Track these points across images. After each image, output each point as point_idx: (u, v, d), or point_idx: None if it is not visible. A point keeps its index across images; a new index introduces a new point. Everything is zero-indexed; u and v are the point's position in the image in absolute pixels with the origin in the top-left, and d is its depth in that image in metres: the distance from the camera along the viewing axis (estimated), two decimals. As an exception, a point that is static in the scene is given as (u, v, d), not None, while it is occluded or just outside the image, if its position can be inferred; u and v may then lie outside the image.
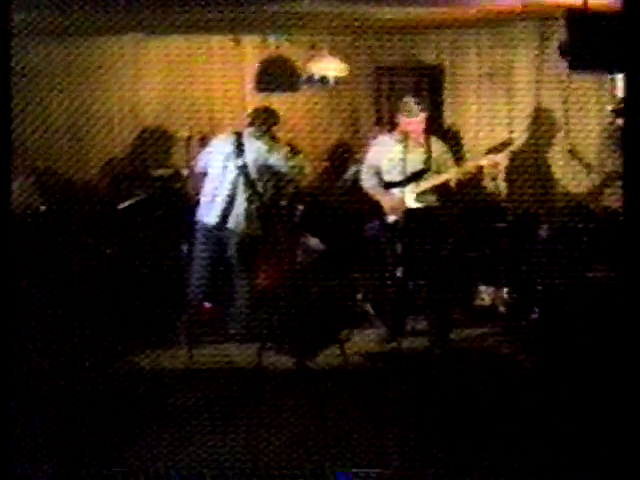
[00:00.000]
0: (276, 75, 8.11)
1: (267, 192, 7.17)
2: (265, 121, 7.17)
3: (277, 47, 8.23)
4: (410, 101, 7.12)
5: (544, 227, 7.04)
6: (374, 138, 7.50)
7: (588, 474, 4.70)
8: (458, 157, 7.58)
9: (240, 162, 7.05)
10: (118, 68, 7.82)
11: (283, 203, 7.43)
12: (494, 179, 7.43)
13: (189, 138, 7.47)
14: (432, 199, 7.19)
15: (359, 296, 7.43)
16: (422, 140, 7.14)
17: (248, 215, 7.05)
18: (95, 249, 7.00)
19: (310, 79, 7.98)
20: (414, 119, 7.06)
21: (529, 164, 7.48)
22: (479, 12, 6.92)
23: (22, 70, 5.44)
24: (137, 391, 5.58)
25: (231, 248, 7.04)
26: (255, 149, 7.08)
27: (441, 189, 7.18)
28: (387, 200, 7.14)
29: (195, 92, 7.45)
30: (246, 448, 5.14)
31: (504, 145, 7.24)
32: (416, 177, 7.11)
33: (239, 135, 7.15)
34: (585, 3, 5.77)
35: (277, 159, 7.10)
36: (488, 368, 6.16)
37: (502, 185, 7.55)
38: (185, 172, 7.51)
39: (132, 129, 8.07)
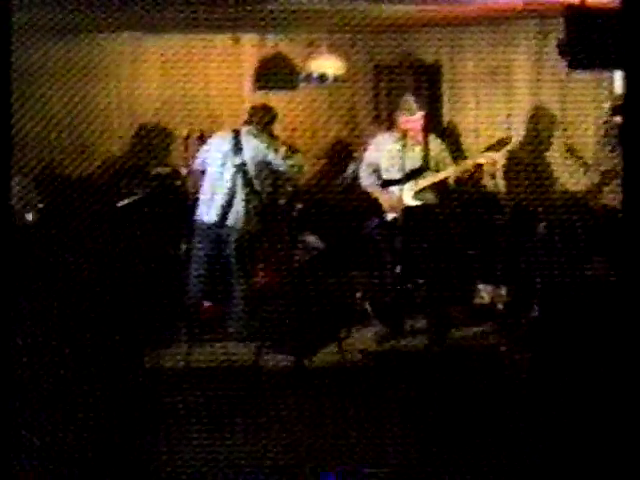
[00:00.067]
0: (275, 73, 8.11)
1: (266, 190, 7.17)
2: (262, 118, 7.17)
3: (275, 45, 8.24)
4: (409, 99, 7.13)
5: (542, 225, 7.04)
6: (373, 136, 7.51)
7: (588, 474, 4.71)
8: (456, 155, 7.59)
9: (238, 160, 7.05)
10: (117, 66, 7.83)
11: (282, 201, 7.43)
12: (492, 177, 7.43)
13: (188, 136, 7.47)
14: (431, 197, 7.19)
15: (358, 294, 7.43)
16: (421, 138, 7.14)
17: (247, 213, 7.04)
18: (93, 247, 6.99)
19: (309, 77, 7.99)
20: (413, 117, 7.06)
21: (528, 162, 7.49)
22: (478, 10, 6.92)
23: (22, 68, 5.43)
24: (137, 391, 5.58)
25: (230, 246, 7.03)
26: (253, 147, 7.07)
27: (439, 187, 7.19)
28: (385, 198, 7.15)
29: (194, 90, 7.45)
30: (247, 448, 5.14)
31: (503, 143, 7.24)
32: (415, 175, 7.12)
33: (237, 133, 7.14)
34: (584, 1, 5.76)
35: (275, 157, 7.11)
36: (487, 366, 6.16)
37: (500, 183, 7.55)
38: (184, 170, 7.50)
39: (131, 127, 8.07)
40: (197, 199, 7.16)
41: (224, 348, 6.62)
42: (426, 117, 7.16)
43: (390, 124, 7.53)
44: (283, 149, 7.19)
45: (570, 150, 7.44)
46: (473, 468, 4.90)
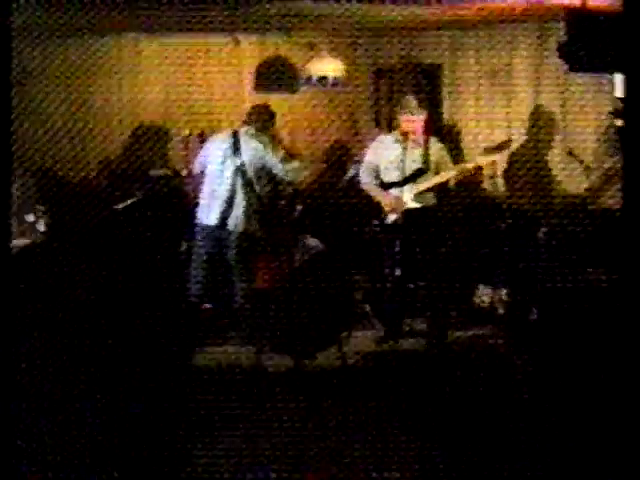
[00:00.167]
0: (275, 75, 8.11)
1: (266, 192, 7.16)
2: (260, 119, 7.15)
3: (276, 47, 8.24)
4: (411, 99, 7.13)
5: (542, 227, 7.04)
6: (373, 138, 7.51)
7: (588, 475, 4.70)
8: (457, 157, 7.59)
9: (237, 161, 7.03)
10: (117, 68, 7.83)
11: (282, 203, 7.43)
12: (493, 179, 7.43)
13: (188, 138, 7.47)
14: (430, 199, 7.19)
15: (358, 296, 7.43)
16: (421, 140, 7.14)
17: (247, 215, 7.03)
18: (93, 248, 6.99)
19: (309, 80, 7.99)
20: (414, 117, 7.05)
21: (528, 164, 7.48)
22: (479, 13, 6.92)
23: (22, 69, 5.44)
24: (137, 391, 5.58)
25: (230, 248, 7.03)
26: (251, 148, 7.06)
27: (440, 189, 7.19)
28: (386, 199, 7.14)
29: (194, 92, 7.45)
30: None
31: (503, 145, 7.24)
32: (415, 177, 7.11)
33: (235, 134, 7.13)
34: (584, 4, 5.76)
35: (273, 160, 7.08)
36: (486, 369, 6.15)
37: (500, 185, 7.55)
38: (184, 172, 7.50)
39: (131, 129, 8.07)
40: (197, 201, 7.16)
41: (224, 351, 6.63)
42: (427, 119, 7.16)
43: (391, 126, 7.53)
44: (282, 152, 7.17)
45: (570, 153, 7.44)
46: (473, 470, 4.90)
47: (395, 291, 7.03)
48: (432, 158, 7.14)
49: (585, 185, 7.38)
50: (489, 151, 7.25)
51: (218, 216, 7.00)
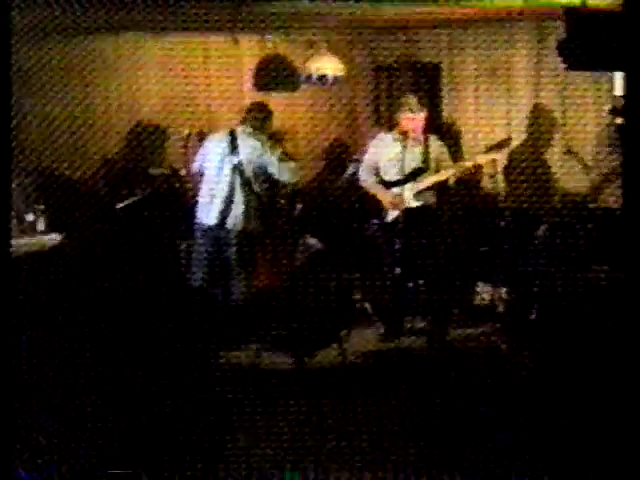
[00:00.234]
0: (275, 74, 8.11)
1: (265, 191, 7.16)
2: (257, 117, 7.14)
3: (275, 46, 8.23)
4: (411, 97, 7.13)
5: (542, 226, 7.04)
6: (373, 137, 7.51)
7: (587, 475, 4.71)
8: (456, 156, 7.59)
9: (235, 160, 7.03)
10: (116, 67, 7.82)
11: (282, 202, 7.43)
12: (492, 178, 7.42)
13: (188, 137, 7.46)
14: (430, 198, 7.19)
15: (358, 295, 7.44)
16: (421, 139, 7.14)
17: (246, 214, 7.03)
18: (93, 247, 6.99)
19: (309, 78, 7.99)
20: (415, 115, 7.05)
21: (528, 163, 7.48)
22: (478, 11, 6.92)
23: (22, 69, 5.44)
24: (137, 393, 5.59)
25: (230, 247, 7.03)
26: (249, 147, 7.05)
27: (439, 188, 7.19)
28: (386, 196, 7.14)
29: (194, 91, 7.44)
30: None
31: (503, 144, 7.23)
32: (415, 176, 7.11)
33: (233, 133, 7.13)
34: (584, 2, 5.76)
35: (270, 159, 7.06)
36: (487, 367, 6.16)
37: (500, 184, 7.55)
38: (184, 171, 7.50)
39: (130, 128, 8.07)
40: (196, 200, 7.16)
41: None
42: (427, 117, 7.16)
43: (390, 124, 7.53)
44: (278, 153, 7.14)
45: (570, 151, 7.44)
46: (473, 468, 4.90)
47: (395, 289, 7.03)
48: (432, 156, 7.15)
49: (584, 183, 7.38)
50: (489, 149, 7.25)
51: (217, 215, 7.00)
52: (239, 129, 7.12)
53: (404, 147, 7.04)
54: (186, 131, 7.41)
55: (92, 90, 7.43)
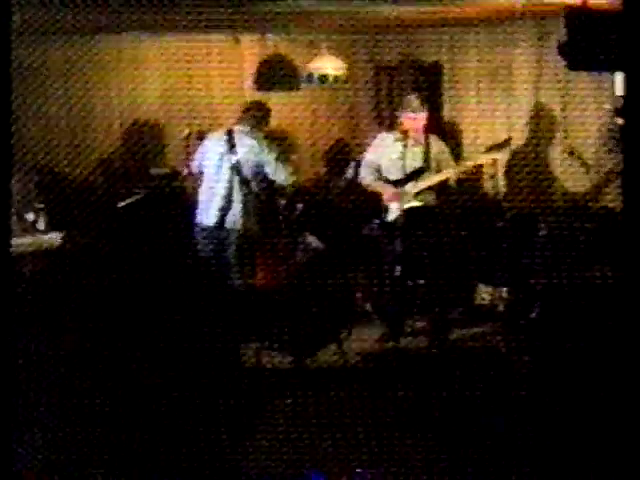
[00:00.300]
0: (276, 74, 8.11)
1: (263, 190, 7.15)
2: (254, 116, 7.13)
3: (276, 46, 8.23)
4: (413, 97, 7.13)
5: (543, 226, 7.03)
6: (374, 136, 7.50)
7: (587, 475, 4.70)
8: (457, 156, 7.59)
9: (233, 160, 7.02)
10: (117, 67, 7.83)
11: (282, 201, 7.42)
12: (493, 178, 7.42)
13: (188, 137, 7.46)
14: (431, 198, 7.19)
15: (358, 295, 7.43)
16: (422, 139, 7.14)
17: (245, 213, 7.03)
18: (93, 247, 6.99)
19: (310, 78, 7.99)
20: (416, 115, 7.05)
21: (528, 163, 7.48)
22: (479, 11, 6.91)
23: (23, 68, 5.44)
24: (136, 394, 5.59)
25: (229, 247, 7.02)
26: (247, 146, 7.03)
27: (440, 188, 7.19)
28: (386, 190, 7.14)
29: (195, 91, 7.45)
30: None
31: (503, 144, 7.24)
32: (415, 175, 7.11)
33: (230, 132, 7.12)
34: (585, 2, 5.75)
35: (268, 160, 7.05)
36: (487, 368, 6.15)
37: (501, 184, 7.54)
38: (185, 171, 7.50)
39: (131, 128, 8.07)
40: (196, 199, 7.16)
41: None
42: (428, 117, 7.16)
43: (391, 124, 7.53)
44: (275, 154, 7.12)
45: (571, 151, 7.44)
46: (473, 469, 4.90)
47: (396, 290, 7.03)
48: (433, 156, 7.15)
49: (585, 183, 7.38)
50: (489, 149, 7.25)
51: (216, 215, 7.00)
52: (237, 128, 7.11)
53: (405, 147, 7.04)
54: (186, 130, 7.41)
55: (92, 89, 7.43)
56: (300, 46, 8.20)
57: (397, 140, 7.12)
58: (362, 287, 7.45)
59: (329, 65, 7.94)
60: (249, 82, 8.23)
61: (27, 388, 5.05)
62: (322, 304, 6.78)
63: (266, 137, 7.18)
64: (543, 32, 7.48)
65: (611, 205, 7.01)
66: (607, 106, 7.20)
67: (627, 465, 4.03)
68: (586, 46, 5.59)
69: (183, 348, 6.49)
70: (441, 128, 7.96)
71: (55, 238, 6.54)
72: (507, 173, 7.56)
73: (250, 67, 8.26)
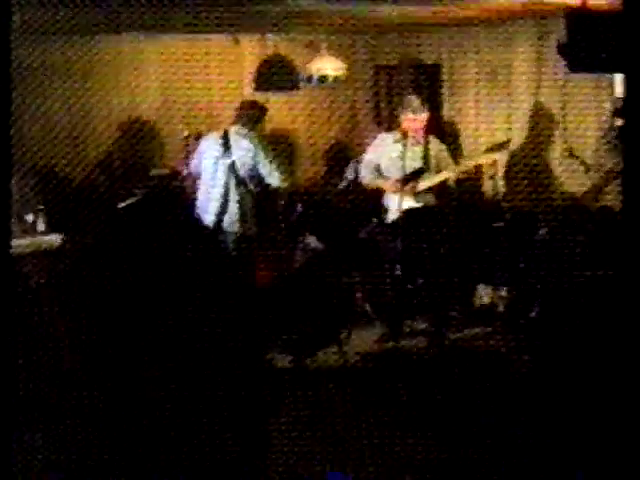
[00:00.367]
0: (275, 74, 8.11)
1: (260, 192, 7.14)
2: (248, 117, 7.12)
3: (276, 46, 8.23)
4: (413, 98, 7.14)
5: (542, 226, 7.04)
6: (374, 137, 7.51)
7: (587, 475, 4.70)
8: (457, 156, 7.60)
9: (228, 161, 7.02)
10: (117, 68, 7.82)
11: (281, 202, 7.42)
12: (492, 178, 7.43)
13: (188, 138, 7.46)
14: (430, 198, 7.20)
15: (358, 295, 7.43)
16: (421, 139, 7.15)
17: (242, 214, 7.02)
18: (93, 248, 7.00)
19: (309, 78, 7.99)
20: (416, 116, 7.06)
21: (528, 163, 7.48)
22: (478, 11, 6.92)
23: (22, 69, 5.44)
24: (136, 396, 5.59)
25: (228, 248, 7.02)
26: (242, 148, 7.02)
27: (440, 188, 7.19)
28: (386, 183, 7.15)
29: (194, 92, 7.44)
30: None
31: (503, 144, 7.24)
32: (415, 176, 7.11)
33: (226, 133, 7.11)
34: (584, 3, 5.76)
35: (263, 162, 7.04)
36: (487, 368, 6.16)
37: (500, 184, 7.55)
38: (185, 171, 7.50)
39: (130, 129, 8.07)
40: (195, 201, 7.17)
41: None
42: (427, 117, 7.16)
43: (391, 125, 7.54)
44: (272, 153, 7.12)
45: (570, 151, 7.44)
46: (473, 469, 4.90)
47: (395, 290, 7.03)
48: (432, 157, 7.16)
49: (584, 184, 7.38)
50: (489, 150, 7.26)
51: (213, 216, 7.00)
52: (232, 129, 7.10)
53: (405, 147, 7.05)
54: (186, 132, 7.41)
55: (91, 90, 7.43)
56: (300, 46, 8.19)
57: (397, 140, 7.13)
58: (362, 287, 7.44)
59: (329, 65, 7.95)
60: (249, 82, 8.23)
61: (27, 388, 5.06)
62: (322, 304, 6.78)
63: (261, 138, 7.17)
64: (543, 32, 7.48)
65: (610, 205, 7.01)
66: (606, 106, 7.20)
67: (627, 465, 4.03)
68: (586, 47, 5.60)
69: (182, 348, 6.51)
70: (441, 128, 7.97)
71: (55, 239, 6.53)
72: (506, 173, 7.56)
73: (250, 67, 8.25)
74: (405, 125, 7.10)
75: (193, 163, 7.25)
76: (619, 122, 7.01)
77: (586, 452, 4.88)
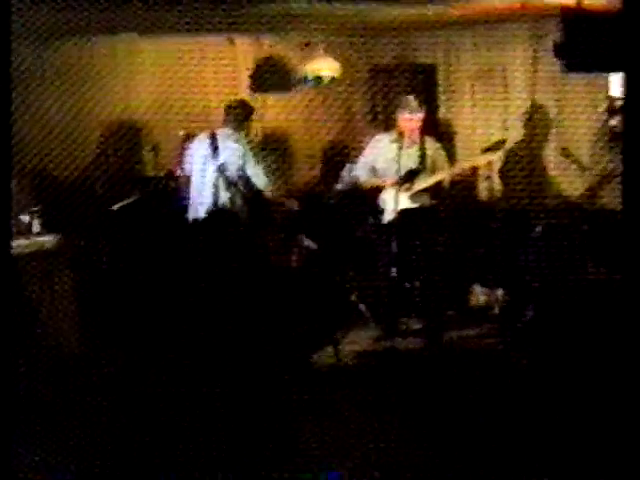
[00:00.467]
0: (271, 75, 8.11)
1: (249, 193, 7.14)
2: (236, 118, 7.12)
3: (271, 47, 8.23)
4: (410, 98, 7.15)
5: (538, 226, 7.05)
6: (370, 137, 7.52)
7: (586, 475, 4.71)
8: (453, 157, 7.61)
9: (217, 162, 7.02)
10: (112, 69, 7.81)
11: (276, 203, 7.42)
12: (488, 179, 7.44)
13: (183, 139, 7.46)
14: (427, 199, 7.21)
15: (353, 296, 7.43)
16: (417, 140, 7.15)
17: (233, 215, 7.02)
18: (87, 249, 6.99)
19: (305, 79, 7.99)
20: (414, 116, 7.07)
21: (524, 164, 7.49)
22: (474, 12, 6.93)
23: (20, 70, 5.44)
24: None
25: (220, 249, 7.01)
26: (229, 149, 7.03)
27: (436, 189, 7.20)
28: (385, 179, 7.15)
29: (189, 93, 7.44)
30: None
31: (499, 145, 7.25)
32: (411, 177, 7.12)
33: (213, 135, 7.12)
34: (580, 3, 5.78)
35: (250, 163, 7.04)
36: (482, 368, 6.17)
37: (496, 185, 7.56)
38: (179, 172, 7.50)
39: (126, 130, 8.05)
40: (188, 202, 7.17)
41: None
42: (424, 118, 7.17)
43: (387, 125, 7.55)
44: (259, 155, 7.12)
45: (566, 152, 7.46)
46: (470, 469, 4.91)
47: (391, 291, 7.03)
48: (429, 158, 7.17)
49: (580, 184, 7.40)
50: (485, 150, 7.26)
51: (206, 217, 7.01)
52: (220, 130, 7.11)
53: (401, 148, 7.05)
54: (181, 133, 7.41)
55: (89, 91, 7.42)
56: (295, 48, 8.20)
57: (393, 141, 7.14)
58: (357, 288, 7.45)
59: (324, 66, 7.95)
60: (244, 84, 8.22)
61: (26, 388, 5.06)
62: (317, 305, 6.79)
63: (249, 139, 7.18)
64: (539, 33, 7.50)
65: (606, 205, 7.03)
66: (601, 106, 7.22)
67: (627, 465, 4.05)
68: (581, 47, 5.62)
69: (181, 348, 6.51)
70: (437, 129, 7.98)
71: (50, 240, 6.52)
72: (502, 174, 7.58)
73: (245, 69, 8.25)
74: (402, 124, 7.11)
75: (185, 164, 7.25)
76: (614, 122, 7.04)
77: (581, 452, 4.89)
